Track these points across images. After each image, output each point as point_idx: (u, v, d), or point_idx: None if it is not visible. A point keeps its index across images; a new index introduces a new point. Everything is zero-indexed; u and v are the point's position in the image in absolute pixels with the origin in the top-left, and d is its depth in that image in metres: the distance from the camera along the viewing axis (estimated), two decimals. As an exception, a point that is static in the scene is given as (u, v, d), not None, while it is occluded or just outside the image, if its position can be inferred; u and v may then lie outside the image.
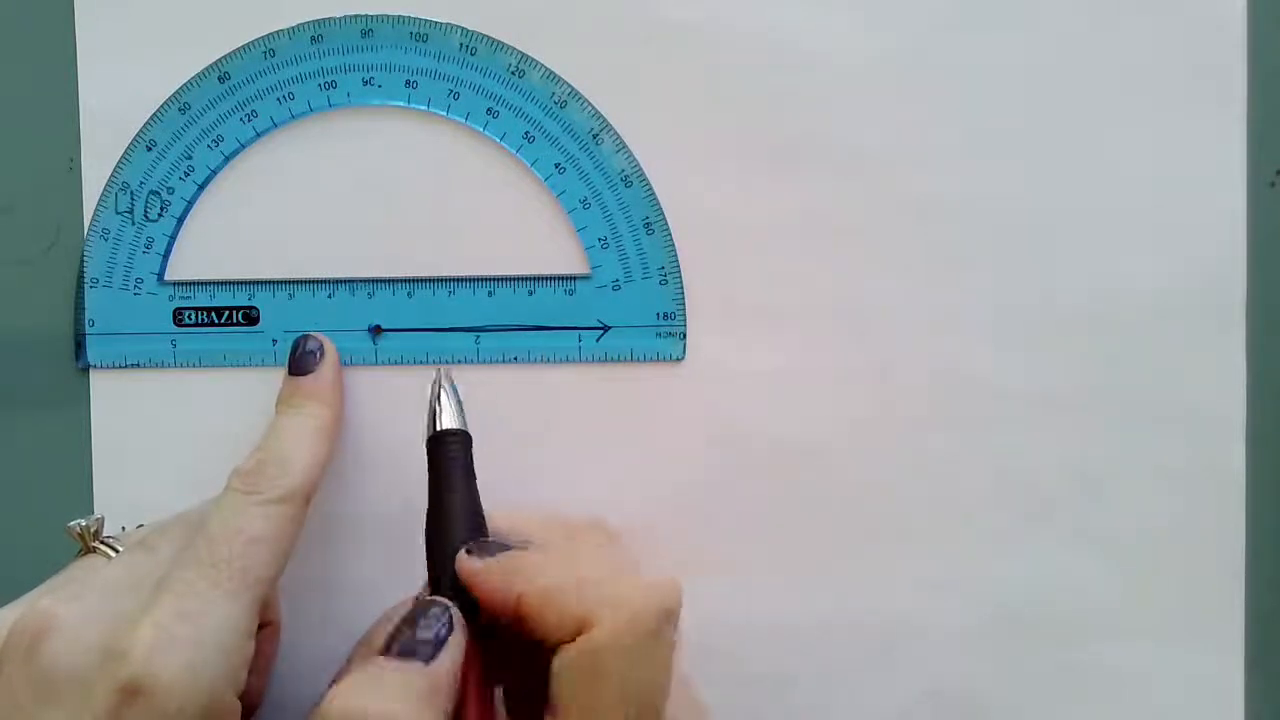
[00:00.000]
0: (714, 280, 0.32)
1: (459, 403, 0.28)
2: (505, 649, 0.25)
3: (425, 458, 0.28)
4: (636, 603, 0.24)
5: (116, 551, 0.28)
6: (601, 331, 0.32)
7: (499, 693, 0.27)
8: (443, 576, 0.26)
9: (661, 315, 0.32)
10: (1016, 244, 0.32)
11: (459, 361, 0.32)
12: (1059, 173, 0.31)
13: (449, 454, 0.27)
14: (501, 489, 0.32)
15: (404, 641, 0.24)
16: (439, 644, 0.24)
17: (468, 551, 0.26)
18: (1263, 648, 0.32)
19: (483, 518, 0.27)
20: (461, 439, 0.27)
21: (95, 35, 0.32)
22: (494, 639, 0.26)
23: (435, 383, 0.28)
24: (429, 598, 0.26)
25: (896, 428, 0.32)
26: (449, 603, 0.25)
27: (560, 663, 0.24)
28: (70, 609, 0.26)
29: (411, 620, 0.25)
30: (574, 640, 0.24)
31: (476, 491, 0.27)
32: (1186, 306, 0.31)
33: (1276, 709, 0.32)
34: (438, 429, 0.28)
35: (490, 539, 0.26)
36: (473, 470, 0.27)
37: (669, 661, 0.24)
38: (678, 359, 0.32)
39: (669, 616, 0.24)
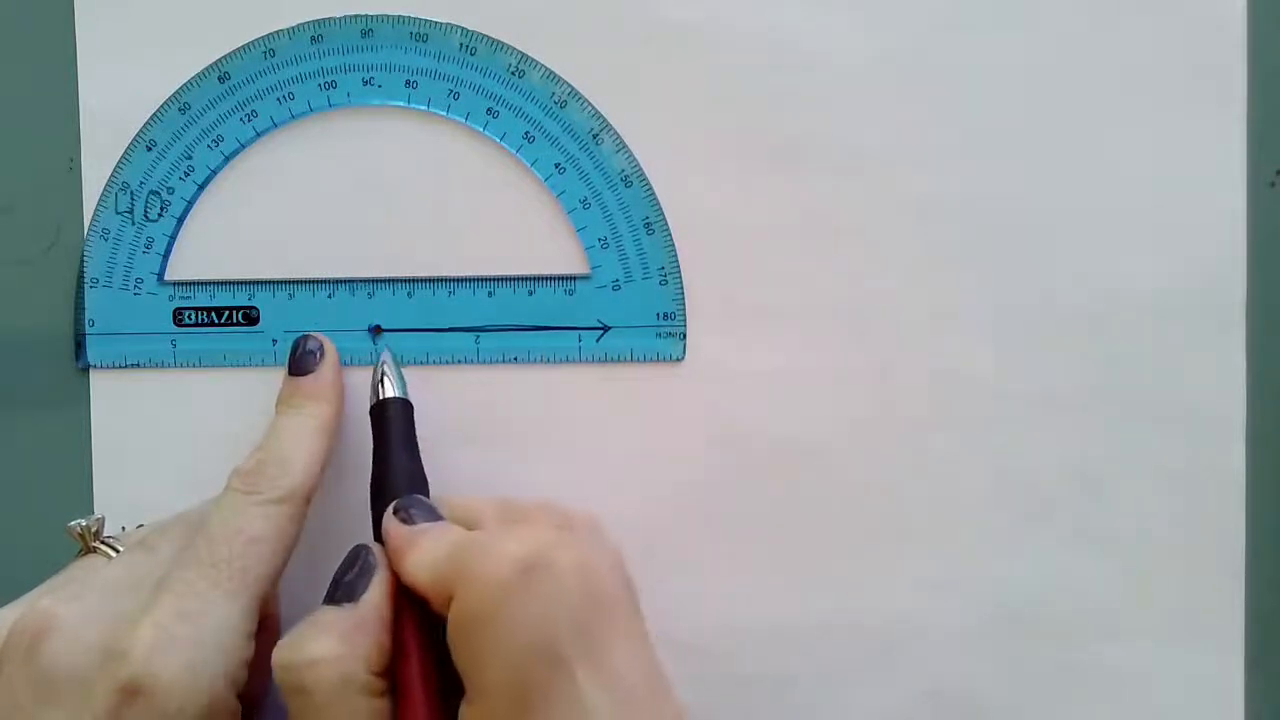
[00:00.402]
0: (714, 280, 0.32)
1: (400, 376, 0.31)
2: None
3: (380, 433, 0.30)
4: (484, 565, 0.24)
5: (117, 551, 0.28)
6: (601, 331, 0.32)
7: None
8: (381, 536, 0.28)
9: (661, 315, 0.32)
10: (1016, 244, 0.32)
11: (459, 362, 0.32)
12: (1059, 173, 0.31)
13: (389, 420, 0.30)
14: (501, 489, 0.32)
15: (336, 589, 0.26)
16: (363, 585, 0.26)
17: (394, 510, 0.27)
18: (1263, 648, 0.32)
19: (423, 477, 0.29)
20: (402, 405, 0.30)
21: (95, 35, 0.32)
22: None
23: (379, 360, 0.31)
24: (359, 545, 0.27)
25: (896, 428, 0.32)
26: (371, 545, 0.27)
27: (448, 636, 0.24)
28: (70, 609, 0.26)
29: (343, 569, 0.27)
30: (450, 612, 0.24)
31: (417, 454, 0.29)
32: (1186, 306, 0.31)
33: (1276, 709, 0.32)
34: (381, 397, 0.30)
35: (421, 498, 0.28)
36: (413, 434, 0.30)
37: (544, 610, 0.24)
38: (678, 359, 0.32)
39: (525, 568, 0.24)
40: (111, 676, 0.24)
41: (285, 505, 0.28)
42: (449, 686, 0.25)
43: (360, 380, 0.32)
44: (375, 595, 0.26)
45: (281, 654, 0.25)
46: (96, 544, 0.29)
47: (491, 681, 0.23)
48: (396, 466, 0.29)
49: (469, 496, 0.28)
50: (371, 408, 0.30)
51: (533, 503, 0.28)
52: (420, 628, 0.26)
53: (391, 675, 0.26)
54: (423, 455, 0.31)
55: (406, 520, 0.27)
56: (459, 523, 0.27)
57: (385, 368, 0.31)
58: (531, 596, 0.24)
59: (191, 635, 0.25)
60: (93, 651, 0.25)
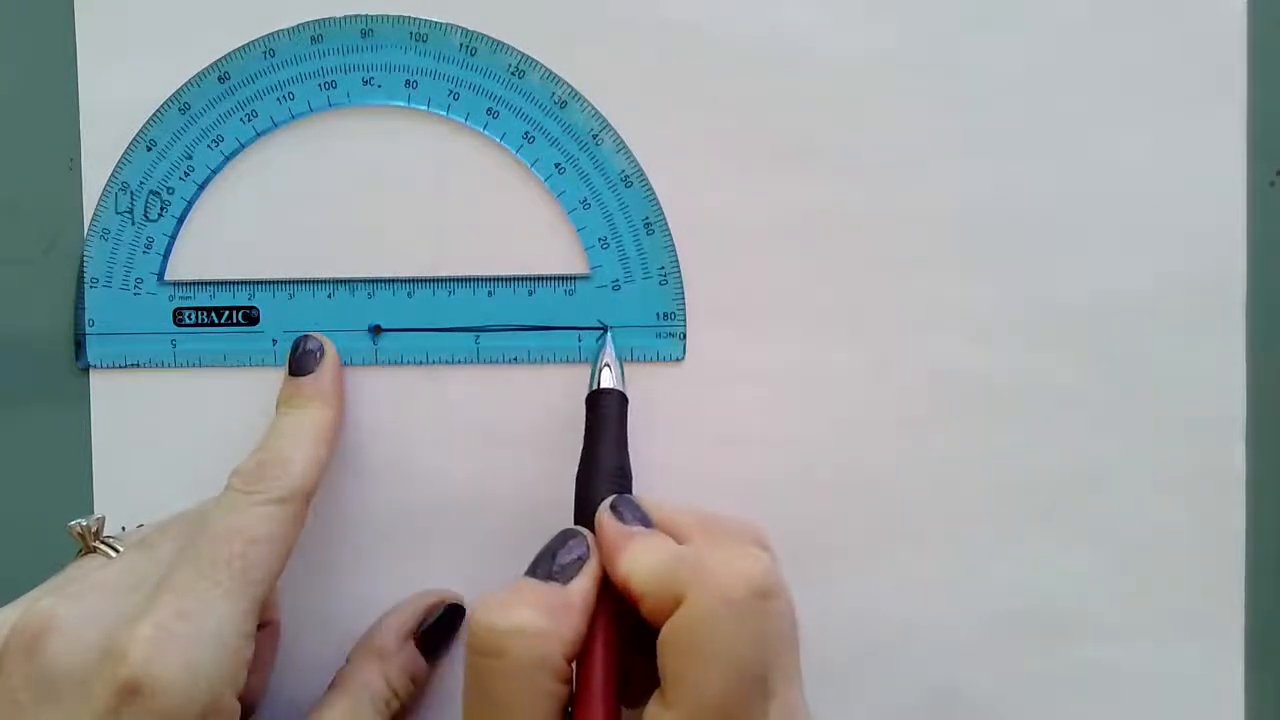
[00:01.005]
0: (714, 280, 0.32)
1: (621, 369, 0.31)
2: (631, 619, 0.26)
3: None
4: (723, 577, 0.24)
5: (117, 551, 0.28)
6: (601, 331, 0.32)
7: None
8: (585, 523, 0.28)
9: (661, 315, 0.32)
10: (1017, 244, 0.32)
11: (459, 361, 0.32)
12: (1059, 173, 0.31)
13: (603, 410, 0.30)
14: (501, 488, 0.32)
15: (544, 565, 0.26)
16: (574, 569, 0.26)
17: (611, 506, 0.27)
18: (1263, 648, 0.32)
19: (629, 473, 0.29)
20: (617, 398, 0.30)
21: (95, 35, 0.32)
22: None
23: (601, 345, 0.31)
24: (571, 528, 0.28)
25: (896, 428, 0.32)
26: (587, 533, 0.27)
27: (661, 639, 0.24)
28: (71, 609, 0.26)
29: (553, 547, 0.27)
30: (671, 616, 0.24)
31: (626, 448, 0.29)
32: (1186, 306, 0.31)
33: (1277, 709, 0.32)
34: (597, 387, 0.30)
35: (632, 496, 0.28)
36: (625, 428, 0.30)
37: (767, 634, 0.24)
38: (678, 359, 0.32)
39: (759, 592, 0.24)
40: (110, 676, 0.24)
41: (285, 505, 0.28)
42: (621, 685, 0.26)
43: (360, 380, 0.32)
44: (585, 582, 0.26)
45: (484, 614, 0.25)
46: (97, 544, 0.29)
47: (701, 694, 0.24)
48: (607, 459, 0.29)
49: (665, 502, 0.28)
50: (588, 395, 0.30)
51: (729, 519, 0.28)
52: (613, 623, 0.26)
53: (575, 665, 0.26)
54: (422, 455, 0.31)
55: (619, 519, 0.27)
56: (660, 528, 0.27)
57: (608, 358, 0.31)
58: (760, 620, 0.24)
59: (191, 635, 0.25)
60: (92, 651, 0.25)
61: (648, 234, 0.32)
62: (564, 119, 0.32)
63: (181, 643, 0.25)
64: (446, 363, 0.32)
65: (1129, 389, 0.32)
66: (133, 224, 0.32)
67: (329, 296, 0.32)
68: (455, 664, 0.32)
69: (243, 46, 0.32)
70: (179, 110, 0.32)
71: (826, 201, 0.32)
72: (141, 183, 0.32)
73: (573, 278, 0.32)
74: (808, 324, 0.32)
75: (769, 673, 0.24)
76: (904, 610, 0.32)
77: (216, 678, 0.25)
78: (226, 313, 0.32)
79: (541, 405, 0.32)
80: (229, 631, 0.26)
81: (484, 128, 0.32)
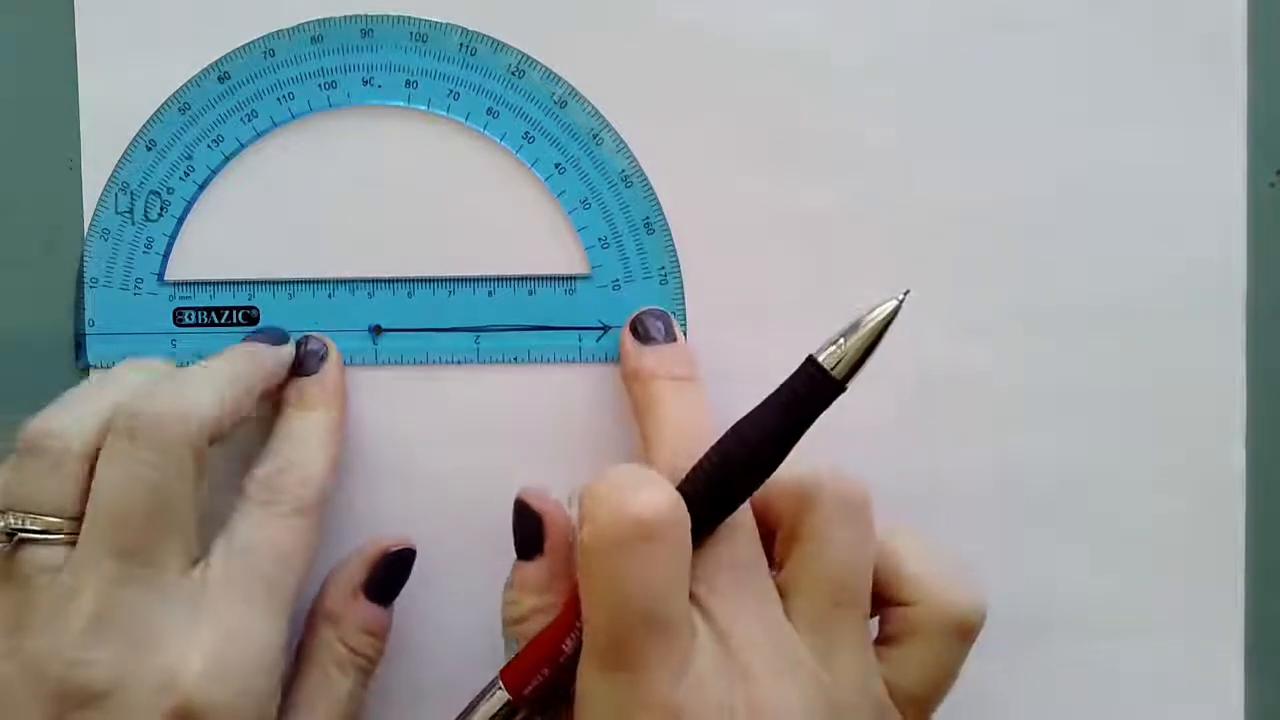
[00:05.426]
0: (714, 280, 0.32)
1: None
2: None
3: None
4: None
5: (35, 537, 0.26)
6: (601, 331, 0.32)
7: None
8: None
9: (661, 315, 0.32)
10: (1017, 244, 0.32)
11: (459, 362, 0.32)
12: (1059, 173, 0.31)
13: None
14: (501, 489, 0.32)
15: None
16: None
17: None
18: (1263, 648, 0.32)
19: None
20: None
21: (95, 35, 0.32)
22: None
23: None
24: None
25: (897, 428, 0.32)
26: None
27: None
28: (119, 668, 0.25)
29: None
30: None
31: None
32: (1186, 306, 0.31)
33: (1277, 709, 0.32)
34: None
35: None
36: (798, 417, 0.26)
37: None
38: (678, 359, 0.32)
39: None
40: (162, 707, 0.24)
41: (306, 517, 0.28)
42: None
43: (360, 380, 0.32)
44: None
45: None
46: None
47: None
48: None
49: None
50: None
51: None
52: None
53: None
54: (422, 455, 0.31)
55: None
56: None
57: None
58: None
59: (238, 659, 0.25)
60: (145, 691, 0.24)
61: (648, 234, 0.32)
62: (564, 119, 0.32)
63: (231, 668, 0.25)
64: (446, 363, 0.32)
65: (1129, 389, 0.32)
66: (133, 224, 0.32)
67: (329, 296, 0.32)
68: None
69: (243, 46, 0.32)
70: (179, 110, 0.32)
71: (826, 201, 0.32)
72: (141, 183, 0.32)
73: (573, 278, 0.32)
74: (808, 324, 0.32)
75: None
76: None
77: (264, 696, 0.25)
78: (226, 313, 0.32)
79: (541, 405, 0.32)
80: (269, 647, 0.26)
81: (484, 128, 0.32)
